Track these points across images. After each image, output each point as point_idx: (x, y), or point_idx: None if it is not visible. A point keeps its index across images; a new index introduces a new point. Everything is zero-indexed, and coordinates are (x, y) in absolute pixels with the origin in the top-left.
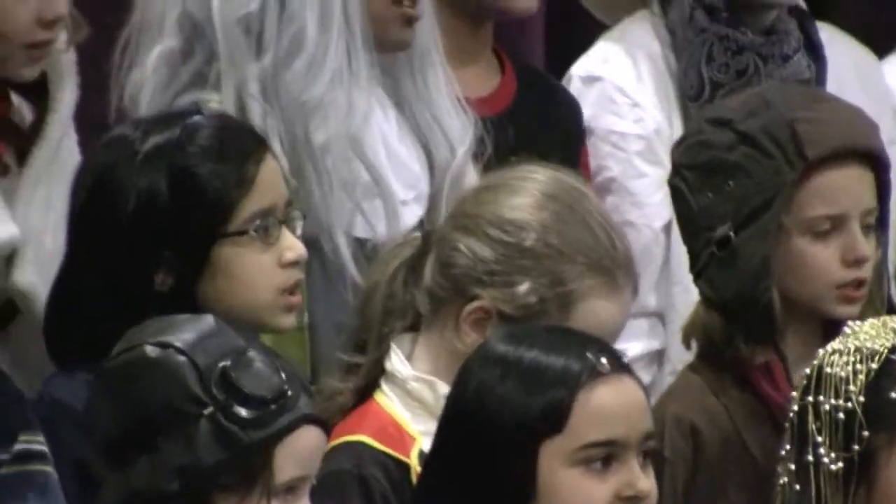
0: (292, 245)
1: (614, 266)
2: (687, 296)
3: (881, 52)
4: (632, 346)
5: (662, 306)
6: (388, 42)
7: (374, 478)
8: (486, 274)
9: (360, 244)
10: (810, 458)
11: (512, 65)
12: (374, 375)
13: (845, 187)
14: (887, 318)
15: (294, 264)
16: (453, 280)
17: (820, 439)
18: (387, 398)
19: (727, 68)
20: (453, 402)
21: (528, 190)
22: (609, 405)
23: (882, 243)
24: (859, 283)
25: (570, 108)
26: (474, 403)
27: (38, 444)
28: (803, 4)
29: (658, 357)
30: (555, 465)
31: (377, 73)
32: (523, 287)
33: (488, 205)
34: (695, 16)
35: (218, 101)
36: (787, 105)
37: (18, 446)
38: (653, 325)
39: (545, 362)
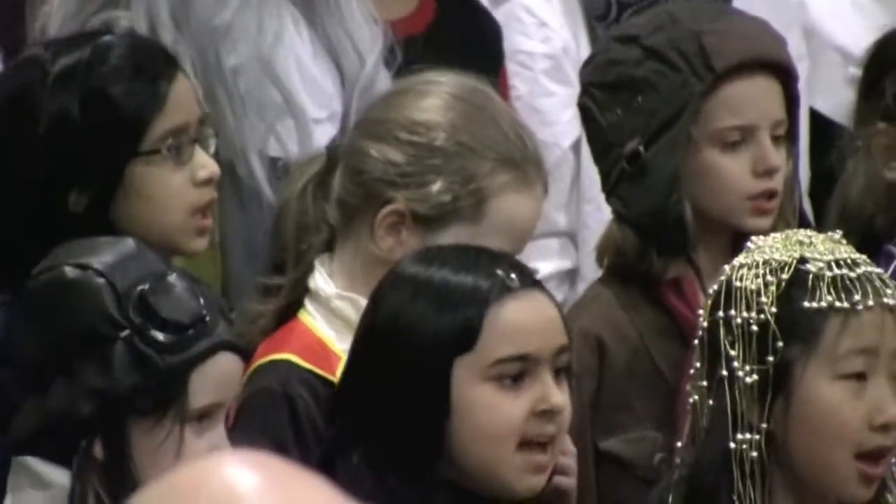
0: (205, 163)
1: (524, 161)
2: (599, 215)
3: None
4: (543, 265)
5: (573, 226)
6: None
7: (299, 396)
8: (398, 176)
9: (272, 163)
10: (724, 372)
11: None
12: (297, 294)
13: (753, 98)
14: (789, 232)
15: (207, 182)
16: (365, 186)
17: (733, 353)
18: (311, 317)
19: None
20: (366, 324)
21: (436, 92)
22: (519, 320)
23: (793, 156)
24: (770, 195)
25: (491, 29)
26: (387, 325)
27: None
28: None
29: (570, 276)
30: (468, 381)
31: None
32: (436, 186)
33: (397, 109)
34: None
35: (129, 19)
36: (693, 19)
37: None
38: (563, 245)
39: (454, 280)
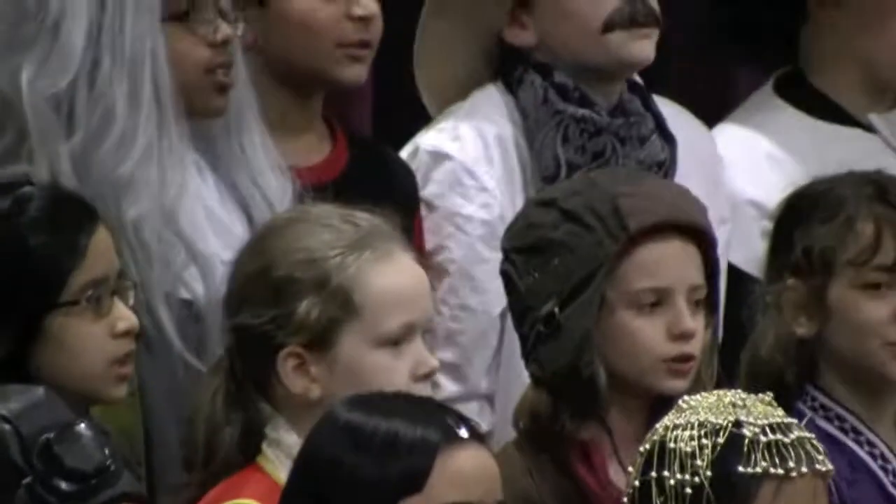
0: (124, 315)
1: (366, 238)
2: (518, 381)
3: (709, 123)
4: None
5: (493, 389)
6: (202, 110)
7: None
8: (269, 324)
9: (186, 306)
10: None
11: (344, 134)
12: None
13: (667, 260)
14: (720, 393)
15: (126, 334)
16: (252, 352)
17: None
18: (271, 464)
19: (584, 150)
20: (302, 471)
21: (256, 237)
22: (468, 470)
23: (712, 325)
24: (686, 358)
25: (404, 176)
26: (327, 473)
27: None
28: (639, 79)
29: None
30: None
31: (189, 143)
32: (300, 310)
33: (238, 275)
34: (548, 97)
35: (29, 174)
36: (611, 182)
37: None
38: (482, 408)
39: (404, 431)
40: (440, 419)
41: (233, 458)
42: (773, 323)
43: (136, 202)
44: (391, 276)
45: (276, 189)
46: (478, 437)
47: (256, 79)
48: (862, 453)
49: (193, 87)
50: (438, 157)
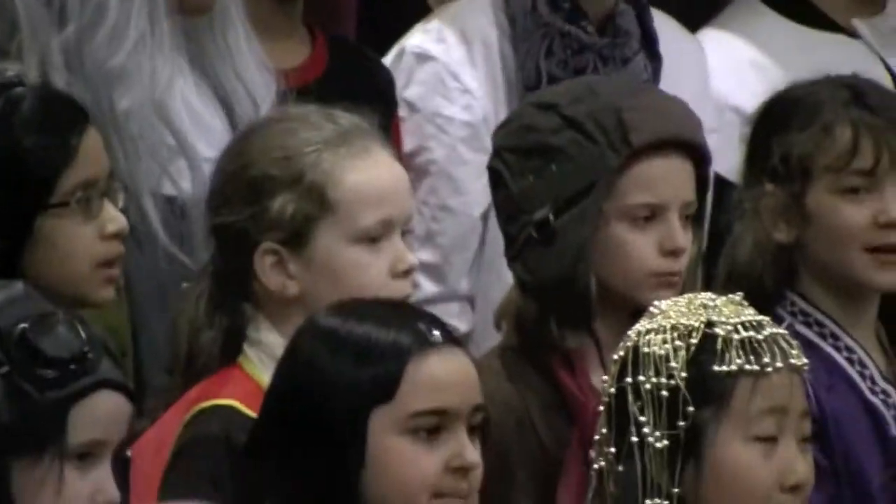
0: (114, 217)
1: (345, 135)
2: (499, 283)
3: (694, 24)
4: None
5: (474, 290)
6: (190, 6)
7: (242, 443)
8: (246, 222)
9: (169, 202)
10: (634, 438)
11: (324, 37)
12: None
13: (666, 177)
14: (691, 296)
15: (115, 236)
16: (230, 248)
17: (643, 418)
18: (252, 364)
19: (566, 65)
20: (282, 374)
21: (239, 137)
22: (439, 375)
23: (697, 238)
24: (673, 275)
25: (382, 79)
26: (304, 376)
27: None
28: None
29: (464, 340)
30: (384, 432)
31: (180, 37)
32: (275, 206)
33: (217, 176)
34: (537, 5)
35: (17, 70)
36: (614, 93)
37: None
38: (463, 309)
39: (376, 335)
40: (412, 324)
41: (213, 362)
42: (752, 229)
43: (128, 93)
44: (367, 171)
45: (259, 85)
46: (452, 340)
47: None
48: (840, 359)
49: None
50: (422, 58)
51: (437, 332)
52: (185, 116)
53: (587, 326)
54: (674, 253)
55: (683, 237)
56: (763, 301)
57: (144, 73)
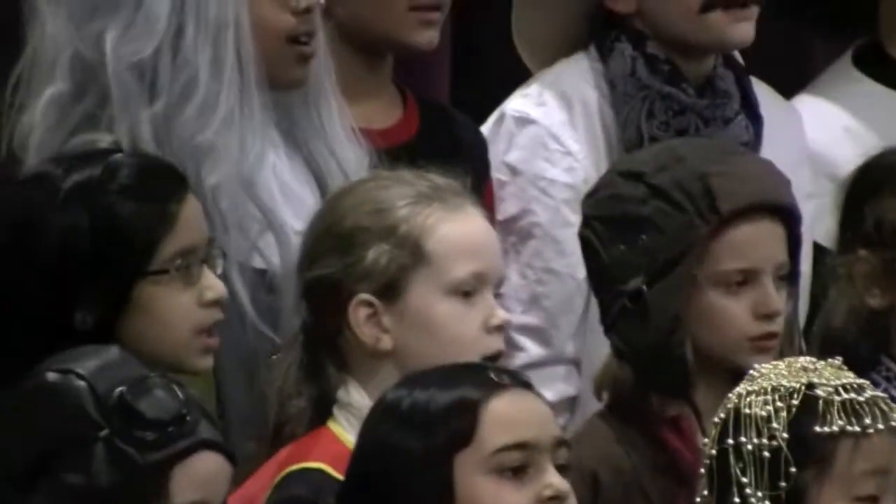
0: (212, 285)
1: (438, 192)
2: (605, 346)
3: (786, 95)
4: (548, 392)
5: (579, 354)
6: (283, 80)
7: None
8: (340, 274)
9: (259, 275)
10: (737, 499)
11: (415, 99)
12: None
13: (757, 242)
14: (791, 360)
15: (214, 304)
16: (324, 304)
17: (745, 480)
18: (342, 427)
19: (667, 127)
20: (358, 459)
21: (331, 196)
22: (514, 411)
23: (793, 297)
24: (771, 337)
25: (474, 142)
26: (378, 457)
27: None
28: (740, 58)
29: (572, 404)
30: (470, 476)
31: (271, 112)
32: (368, 258)
33: (310, 233)
34: (636, 69)
35: (112, 142)
36: (699, 159)
37: None
38: (569, 372)
39: (439, 398)
40: (480, 375)
41: (301, 430)
42: (846, 294)
43: (216, 169)
44: (462, 224)
45: (352, 161)
46: (521, 383)
47: (328, 43)
48: None
49: (275, 56)
50: (523, 121)
51: (506, 377)
52: (276, 190)
53: (685, 395)
54: (769, 316)
55: (778, 300)
56: (858, 366)
57: (233, 149)
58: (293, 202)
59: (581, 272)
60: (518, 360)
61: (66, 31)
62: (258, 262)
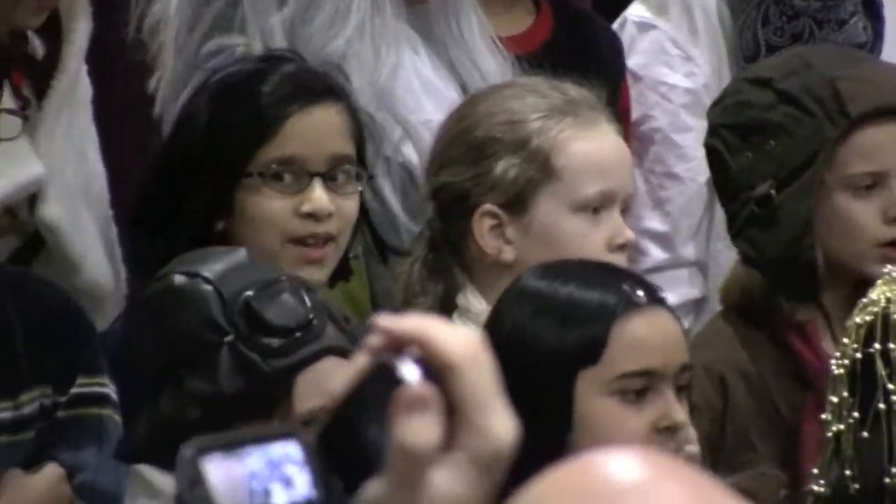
0: (312, 198)
1: (571, 105)
2: (730, 250)
3: None
4: (672, 295)
5: (703, 258)
6: None
7: None
8: (468, 183)
9: (408, 173)
10: (882, 405)
11: (549, 4)
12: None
13: (886, 145)
14: None
15: (310, 216)
16: (450, 211)
17: (892, 386)
18: None
19: (782, 32)
20: (488, 338)
21: (465, 103)
22: (645, 336)
23: None
24: None
25: (610, 46)
26: (511, 339)
27: (97, 385)
28: None
29: (696, 306)
30: (592, 395)
31: (405, 24)
32: (498, 169)
33: (441, 138)
34: None
35: (246, 45)
36: (827, 65)
37: (75, 390)
38: (692, 275)
39: (580, 296)
40: (617, 285)
41: None
42: None
43: (349, 79)
44: (593, 141)
45: (495, 72)
46: (657, 300)
47: None
48: None
49: None
50: (644, 27)
51: (641, 293)
52: (418, 88)
53: (815, 299)
54: None
55: None
56: None
57: (365, 60)
58: (436, 98)
59: (702, 176)
60: (642, 264)
61: None
62: (405, 158)
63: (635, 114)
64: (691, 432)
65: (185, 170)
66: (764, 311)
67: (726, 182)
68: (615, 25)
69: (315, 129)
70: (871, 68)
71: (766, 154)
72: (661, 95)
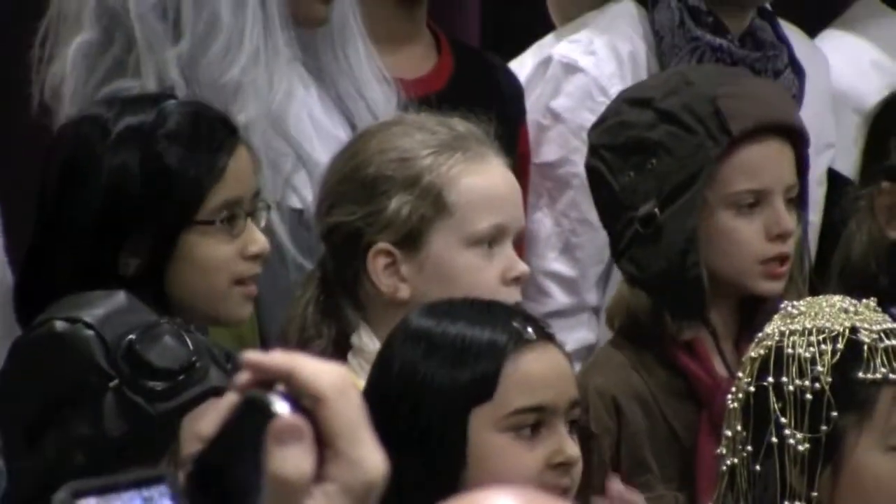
0: (256, 239)
1: (460, 140)
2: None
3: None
4: (569, 339)
5: (601, 303)
6: (305, 19)
7: None
8: (360, 222)
9: (296, 216)
10: (774, 438)
11: (449, 43)
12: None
13: (768, 162)
14: (827, 299)
15: (256, 257)
16: (344, 250)
17: (784, 420)
18: (354, 373)
19: None
20: (377, 380)
21: (353, 141)
22: (536, 371)
23: (802, 220)
24: (783, 259)
25: (510, 87)
26: (399, 380)
27: None
28: (767, 5)
29: (591, 350)
30: (485, 432)
31: (296, 49)
32: (390, 207)
33: (331, 175)
34: (684, 20)
35: (140, 87)
36: (708, 82)
37: None
38: (591, 319)
39: (471, 334)
40: (506, 322)
41: None
42: (867, 226)
43: (245, 108)
44: (483, 176)
45: (380, 101)
46: (546, 337)
47: None
48: None
49: None
50: (571, 69)
51: (531, 329)
52: (308, 125)
53: (701, 316)
54: (781, 237)
55: (789, 220)
56: (878, 299)
57: (261, 87)
58: (325, 138)
59: None
60: (545, 306)
61: None
62: (294, 202)
63: (554, 155)
64: (580, 469)
65: (113, 222)
66: (651, 331)
67: (608, 203)
68: (537, 61)
69: (245, 169)
70: (752, 84)
71: (647, 173)
72: (583, 141)
